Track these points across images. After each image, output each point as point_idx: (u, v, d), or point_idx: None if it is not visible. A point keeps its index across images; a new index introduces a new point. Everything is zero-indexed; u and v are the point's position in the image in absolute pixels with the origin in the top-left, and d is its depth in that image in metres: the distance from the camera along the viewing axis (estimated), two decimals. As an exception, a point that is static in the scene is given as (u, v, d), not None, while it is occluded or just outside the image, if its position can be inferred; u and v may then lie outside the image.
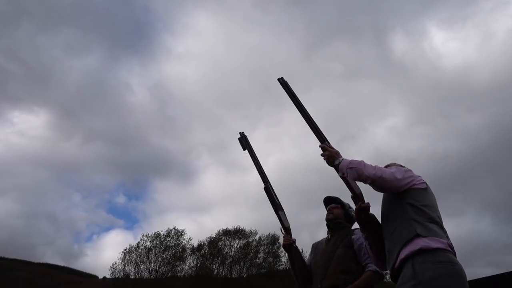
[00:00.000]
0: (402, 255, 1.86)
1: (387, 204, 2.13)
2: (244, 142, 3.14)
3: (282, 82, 2.63)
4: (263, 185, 2.98)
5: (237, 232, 38.23)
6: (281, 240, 2.87)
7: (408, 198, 2.00)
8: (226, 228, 38.46)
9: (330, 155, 2.22)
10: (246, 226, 40.04)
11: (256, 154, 3.09)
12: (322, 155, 2.26)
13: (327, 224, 2.84)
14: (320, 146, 2.29)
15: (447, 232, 1.95)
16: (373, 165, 2.07)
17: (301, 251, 2.92)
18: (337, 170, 2.14)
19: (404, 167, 2.19)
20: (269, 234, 38.25)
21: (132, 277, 35.45)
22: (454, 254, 1.86)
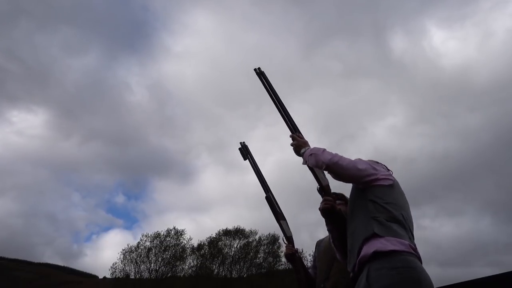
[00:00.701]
0: (362, 259, 1.77)
1: (352, 202, 2.05)
2: (244, 151, 3.12)
3: (259, 72, 2.56)
4: (264, 193, 2.98)
5: (237, 232, 38.26)
6: (283, 249, 2.86)
7: (371, 195, 1.91)
8: (226, 228, 38.53)
9: (298, 144, 2.23)
10: (246, 225, 40.13)
11: (257, 163, 3.08)
12: (291, 144, 2.27)
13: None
14: (290, 136, 2.30)
15: (411, 233, 1.84)
16: (335, 153, 2.02)
17: (300, 250, 2.91)
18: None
19: (379, 163, 2.11)
20: (269, 234, 38.25)
21: (132, 277, 35.47)
22: (417, 256, 1.74)
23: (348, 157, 2.02)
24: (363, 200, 1.93)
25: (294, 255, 2.73)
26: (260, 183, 3.00)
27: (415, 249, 1.75)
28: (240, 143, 3.16)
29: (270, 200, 2.93)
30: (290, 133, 2.31)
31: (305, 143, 2.22)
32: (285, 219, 2.91)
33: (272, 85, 2.52)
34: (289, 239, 2.82)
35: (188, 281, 34.52)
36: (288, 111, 2.41)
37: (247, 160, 3.10)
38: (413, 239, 1.83)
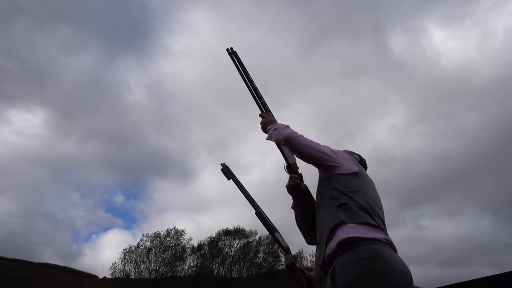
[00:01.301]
0: (328, 251, 1.71)
1: (318, 192, 2.00)
2: (227, 172, 3.13)
3: (231, 52, 2.51)
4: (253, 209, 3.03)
5: (237, 232, 38.26)
6: (283, 259, 2.93)
7: (335, 184, 1.86)
8: (226, 228, 38.53)
9: (265, 122, 2.23)
10: (245, 225, 40.06)
11: (241, 181, 3.13)
12: (260, 123, 2.28)
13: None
14: (259, 115, 2.31)
15: (383, 222, 1.77)
16: (300, 134, 1.99)
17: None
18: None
19: (354, 153, 2.12)
20: (269, 234, 38.20)
21: (132, 277, 35.47)
22: (388, 244, 1.65)
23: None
24: (328, 189, 1.88)
25: (294, 264, 2.81)
26: (248, 200, 3.06)
27: (385, 237, 1.67)
28: (221, 164, 3.15)
29: (261, 215, 3.01)
30: (260, 112, 2.33)
31: (273, 121, 2.22)
32: (278, 231, 3.01)
33: (244, 65, 2.48)
34: (286, 249, 2.92)
35: (188, 281, 34.52)
36: (260, 91, 2.42)
37: (231, 179, 3.12)
38: (385, 228, 1.77)
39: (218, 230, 38.71)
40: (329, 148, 1.96)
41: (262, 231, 38.77)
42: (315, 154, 1.90)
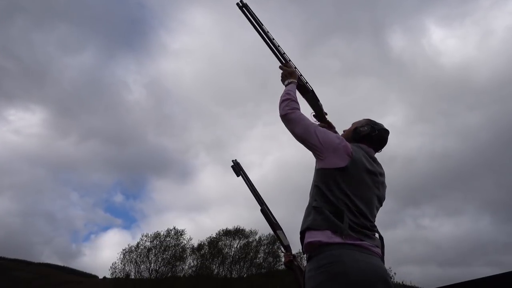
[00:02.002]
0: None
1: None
2: (237, 168, 3.22)
3: (242, 6, 2.27)
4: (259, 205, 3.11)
5: (237, 232, 38.25)
6: (282, 259, 2.99)
7: (318, 180, 1.76)
8: (226, 228, 38.52)
9: (283, 74, 2.15)
10: (245, 225, 40.14)
11: (250, 178, 3.20)
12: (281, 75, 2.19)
13: None
14: (279, 67, 2.20)
15: (362, 223, 1.66)
16: (298, 111, 1.90)
17: (300, 251, 2.96)
18: None
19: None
20: (269, 234, 38.17)
21: (132, 277, 35.46)
22: (355, 245, 1.58)
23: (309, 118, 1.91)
24: (312, 184, 1.81)
25: (292, 263, 2.86)
26: (254, 197, 3.13)
27: (353, 241, 1.58)
28: (233, 161, 3.26)
29: (266, 212, 3.06)
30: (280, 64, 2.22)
31: (291, 73, 2.13)
32: (281, 229, 3.05)
33: (257, 17, 2.28)
34: (287, 247, 2.95)
35: (188, 281, 34.50)
36: (278, 43, 2.24)
37: (240, 176, 3.21)
38: (366, 230, 1.67)
39: (218, 230, 38.77)
40: (321, 134, 1.79)
41: (262, 231, 38.82)
42: (305, 143, 1.82)
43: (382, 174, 1.89)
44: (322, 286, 1.50)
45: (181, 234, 37.45)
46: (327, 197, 1.69)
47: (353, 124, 2.05)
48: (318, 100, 2.20)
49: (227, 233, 38.22)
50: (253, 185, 3.17)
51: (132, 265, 35.42)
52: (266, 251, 37.80)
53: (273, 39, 2.25)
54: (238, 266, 37.32)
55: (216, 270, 36.83)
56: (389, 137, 2.00)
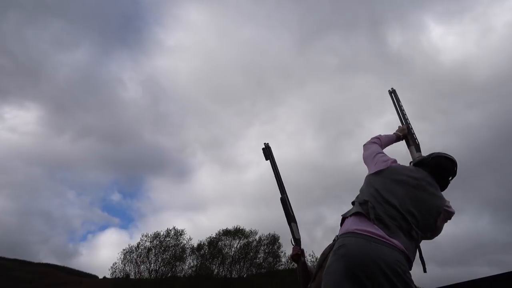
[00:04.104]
0: None
1: None
2: (267, 152, 3.23)
3: (391, 92, 3.04)
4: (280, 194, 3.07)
5: (237, 232, 38.26)
6: (289, 251, 2.98)
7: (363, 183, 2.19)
8: (226, 228, 38.53)
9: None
10: (243, 225, 40.07)
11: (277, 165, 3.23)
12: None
13: None
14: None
15: (381, 215, 1.90)
16: (373, 145, 2.43)
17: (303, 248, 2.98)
18: None
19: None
20: (269, 234, 38.21)
21: (132, 277, 35.47)
22: (360, 233, 1.84)
23: (373, 145, 2.43)
24: None
25: (299, 257, 2.85)
26: (278, 184, 3.12)
27: (359, 228, 1.86)
28: (264, 143, 3.28)
29: (285, 202, 3.03)
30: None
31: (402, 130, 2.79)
32: (295, 222, 3.01)
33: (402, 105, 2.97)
34: (297, 241, 2.91)
35: (188, 281, 34.52)
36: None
37: (268, 160, 3.21)
38: (383, 219, 1.87)
39: (218, 230, 38.79)
40: (376, 155, 2.28)
41: (262, 231, 38.86)
42: (365, 161, 2.33)
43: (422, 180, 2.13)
44: (332, 265, 1.83)
45: (180, 234, 37.52)
46: (361, 192, 2.09)
47: None
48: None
49: (227, 233, 38.25)
50: (279, 172, 3.16)
51: (132, 265, 35.48)
52: (266, 251, 37.84)
53: (409, 123, 2.87)
54: (238, 266, 37.35)
55: (216, 270, 36.85)
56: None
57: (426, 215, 1.95)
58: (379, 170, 2.12)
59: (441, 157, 2.19)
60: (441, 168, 2.16)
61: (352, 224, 1.90)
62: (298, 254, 2.84)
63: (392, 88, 2.98)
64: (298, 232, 2.96)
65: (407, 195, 1.97)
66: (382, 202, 1.94)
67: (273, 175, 3.17)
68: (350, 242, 1.82)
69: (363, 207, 1.93)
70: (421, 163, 2.22)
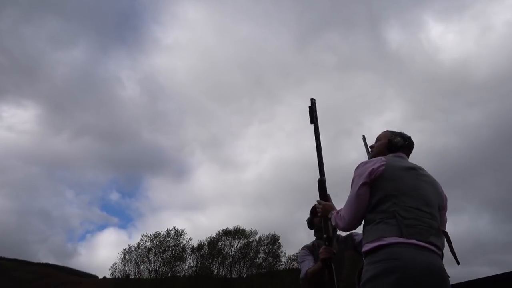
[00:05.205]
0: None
1: None
2: (313, 114, 2.61)
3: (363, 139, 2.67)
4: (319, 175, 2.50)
5: (237, 232, 38.26)
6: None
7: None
8: (226, 228, 38.54)
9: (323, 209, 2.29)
10: (242, 224, 40.11)
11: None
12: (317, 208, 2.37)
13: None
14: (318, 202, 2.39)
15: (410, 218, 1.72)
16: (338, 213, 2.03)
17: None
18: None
19: (367, 163, 1.98)
20: (269, 234, 38.25)
21: (132, 277, 35.47)
22: (409, 243, 1.66)
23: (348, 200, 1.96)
24: None
25: (330, 261, 2.36)
26: (318, 164, 2.53)
27: (414, 237, 1.68)
28: (311, 99, 2.65)
29: (324, 185, 2.45)
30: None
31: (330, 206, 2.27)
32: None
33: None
34: (330, 239, 2.40)
35: (188, 281, 34.53)
36: None
37: (313, 125, 2.59)
38: (424, 222, 1.74)
39: (218, 230, 38.78)
40: (351, 194, 1.93)
41: (262, 231, 38.86)
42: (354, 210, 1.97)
43: (422, 169, 2.02)
44: (378, 278, 1.60)
45: (181, 234, 37.52)
46: (373, 211, 1.84)
47: (378, 139, 2.21)
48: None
49: (227, 233, 38.25)
50: (320, 145, 2.58)
51: (132, 265, 35.48)
52: (266, 251, 37.85)
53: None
54: (238, 266, 37.35)
55: (216, 270, 36.86)
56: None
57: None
58: (366, 181, 1.91)
59: (410, 137, 2.19)
60: (412, 148, 2.18)
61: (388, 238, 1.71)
62: (331, 257, 2.36)
63: (363, 135, 2.61)
64: (330, 229, 2.40)
65: (421, 189, 1.90)
66: (407, 207, 1.78)
67: (315, 148, 2.55)
68: (401, 253, 1.63)
69: (392, 225, 1.73)
70: (403, 146, 2.11)
